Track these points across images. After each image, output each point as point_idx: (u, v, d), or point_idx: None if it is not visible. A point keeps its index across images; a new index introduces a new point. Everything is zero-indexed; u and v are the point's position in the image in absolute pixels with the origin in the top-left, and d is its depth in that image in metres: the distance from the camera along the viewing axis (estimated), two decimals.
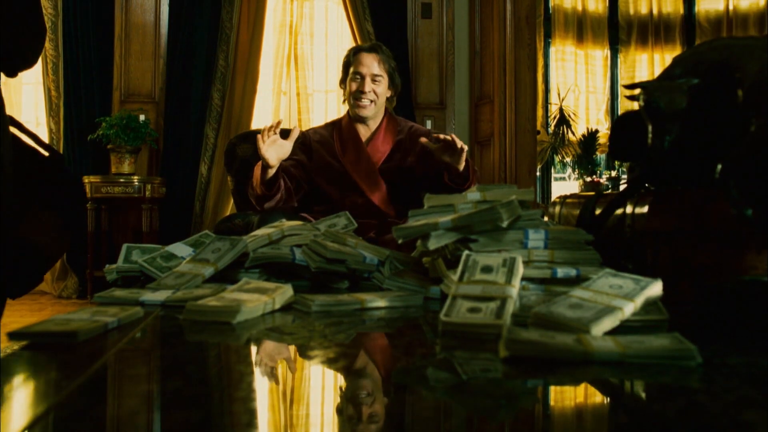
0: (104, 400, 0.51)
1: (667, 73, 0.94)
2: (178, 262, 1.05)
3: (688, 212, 0.89)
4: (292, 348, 0.66)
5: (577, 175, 5.34)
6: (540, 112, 5.12)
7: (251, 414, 0.45)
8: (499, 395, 0.50)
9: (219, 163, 4.07)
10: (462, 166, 1.91)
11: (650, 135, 0.87)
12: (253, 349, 0.67)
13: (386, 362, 0.64)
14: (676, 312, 0.72)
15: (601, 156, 5.38)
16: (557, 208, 1.23)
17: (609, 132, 1.03)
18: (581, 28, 5.50)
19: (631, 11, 5.62)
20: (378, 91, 2.14)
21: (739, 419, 0.44)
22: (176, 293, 0.88)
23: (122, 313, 0.73)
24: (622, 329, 0.64)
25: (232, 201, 3.80)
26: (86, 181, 3.77)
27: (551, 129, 5.36)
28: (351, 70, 2.16)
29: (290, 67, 4.41)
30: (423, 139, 1.94)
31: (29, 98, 4.27)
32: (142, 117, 4.00)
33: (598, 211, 1.02)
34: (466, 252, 0.81)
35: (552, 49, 5.46)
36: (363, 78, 2.13)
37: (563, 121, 5.31)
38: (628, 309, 0.65)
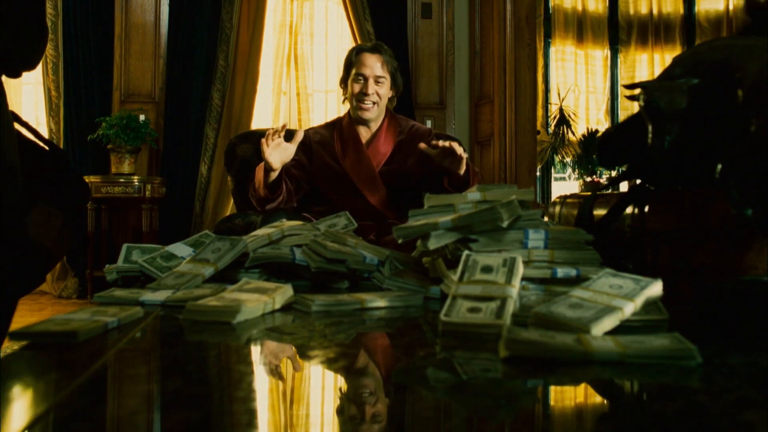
0: (104, 400, 0.51)
1: (667, 73, 0.94)
2: (178, 262, 1.05)
3: (688, 212, 0.89)
4: (292, 348, 0.66)
5: (577, 175, 5.34)
6: (540, 112, 5.12)
7: (251, 414, 0.45)
8: (499, 395, 0.50)
9: (219, 163, 4.07)
10: (462, 170, 1.88)
11: (650, 135, 0.87)
12: (253, 349, 0.67)
13: (386, 362, 0.64)
14: (676, 312, 0.72)
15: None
16: (557, 208, 1.23)
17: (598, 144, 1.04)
18: (581, 28, 5.50)
19: (631, 11, 5.62)
20: (381, 92, 2.11)
21: (739, 419, 0.44)
22: (176, 293, 0.88)
23: (122, 313, 0.73)
24: (622, 329, 0.64)
25: (232, 201, 3.80)
26: (86, 180, 3.77)
27: (551, 129, 5.37)
28: (353, 71, 2.13)
29: (290, 67, 4.41)
30: (422, 145, 1.90)
31: (29, 98, 4.27)
32: (142, 117, 4.00)
33: (596, 212, 1.02)
34: (466, 252, 0.81)
35: (552, 49, 5.46)
36: (366, 80, 2.09)
37: (563, 121, 5.31)
38: (628, 309, 0.65)
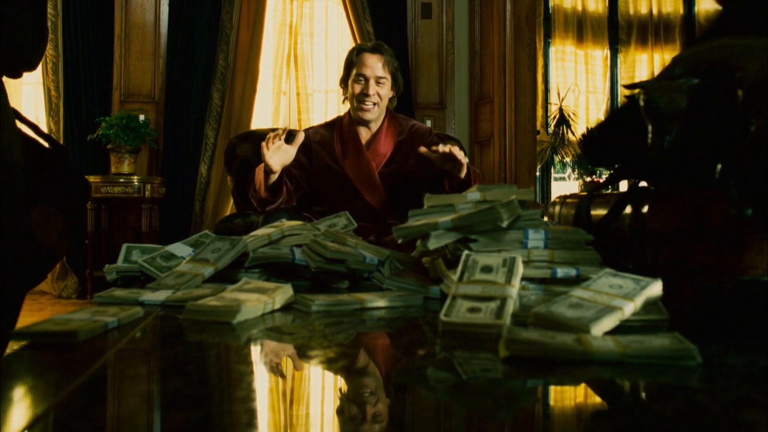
0: (104, 400, 0.51)
1: (667, 73, 0.94)
2: (178, 262, 1.05)
3: (688, 212, 0.89)
4: (292, 348, 0.66)
5: (576, 175, 5.34)
6: (540, 112, 5.12)
7: (251, 414, 0.45)
8: (499, 395, 0.50)
9: (219, 163, 4.07)
10: (463, 173, 1.86)
11: (650, 135, 0.87)
12: (253, 349, 0.67)
13: (386, 362, 0.64)
14: (676, 312, 0.72)
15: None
16: (557, 208, 1.23)
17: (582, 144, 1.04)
18: (581, 28, 5.50)
19: (631, 11, 5.62)
20: (381, 93, 2.09)
21: (739, 419, 0.44)
22: (176, 293, 0.88)
23: (122, 313, 0.73)
24: (622, 329, 0.64)
25: (232, 201, 3.80)
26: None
27: (551, 129, 5.37)
28: (354, 71, 2.10)
29: (290, 67, 4.41)
30: (422, 149, 1.86)
31: (29, 98, 4.27)
32: (142, 117, 4.00)
33: (595, 212, 1.02)
34: (466, 252, 0.81)
35: (552, 49, 5.46)
36: (367, 80, 2.07)
37: (563, 121, 5.31)
38: (628, 309, 0.65)
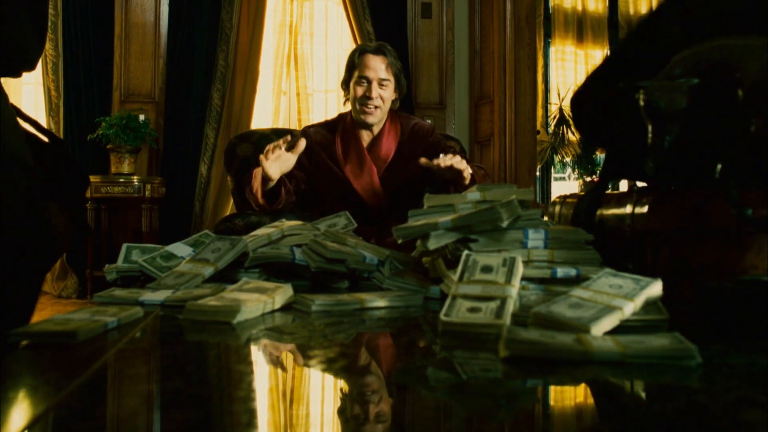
0: (104, 400, 0.51)
1: (667, 73, 0.94)
2: (178, 262, 1.05)
3: (688, 212, 0.89)
4: (292, 348, 0.66)
5: (576, 175, 5.34)
6: (540, 112, 5.12)
7: (251, 414, 0.45)
8: (499, 395, 0.50)
9: (219, 163, 4.07)
10: (467, 181, 1.81)
11: (650, 135, 0.87)
12: (253, 349, 0.67)
13: (386, 362, 0.64)
14: (676, 312, 0.72)
15: (601, 156, 5.38)
16: (557, 208, 1.23)
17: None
18: (581, 28, 5.50)
19: (631, 11, 5.63)
20: (384, 96, 2.03)
21: (739, 419, 0.44)
22: (176, 293, 0.88)
23: (122, 313, 0.73)
24: (622, 329, 0.64)
25: (232, 201, 3.80)
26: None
27: (551, 129, 5.37)
28: (356, 73, 2.04)
29: (290, 67, 4.41)
30: (423, 160, 1.78)
31: (29, 98, 4.27)
32: (142, 117, 4.00)
33: (606, 210, 1.02)
34: (466, 252, 0.81)
35: (552, 49, 5.46)
36: (369, 83, 2.01)
37: (563, 121, 5.31)
38: (628, 309, 0.65)
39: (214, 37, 4.15)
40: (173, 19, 4.16)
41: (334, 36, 4.51)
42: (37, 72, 4.05)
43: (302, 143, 1.85)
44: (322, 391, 0.54)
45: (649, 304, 0.69)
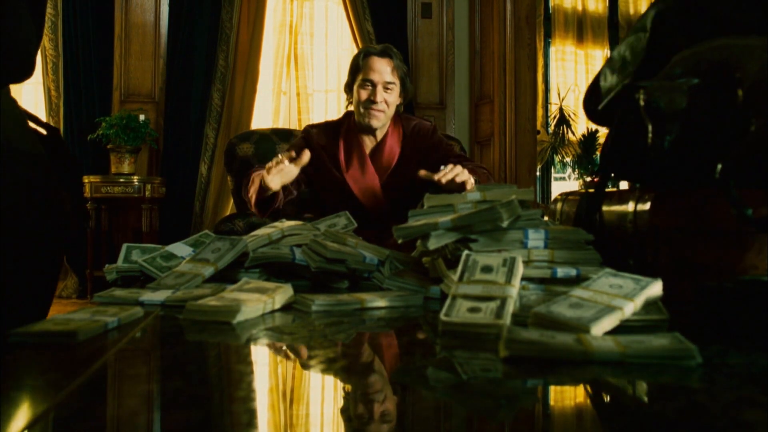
0: (104, 400, 0.51)
1: (667, 73, 0.94)
2: (178, 262, 1.05)
3: (688, 211, 0.89)
4: (292, 348, 0.66)
5: (577, 175, 5.35)
6: (540, 112, 5.12)
7: (251, 414, 0.45)
8: (499, 395, 0.50)
9: (219, 163, 4.07)
10: (470, 188, 1.76)
11: (650, 135, 0.87)
12: (253, 349, 0.67)
13: (386, 362, 0.64)
14: (676, 312, 0.72)
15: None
16: (559, 205, 1.23)
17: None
18: (581, 27, 5.50)
19: (631, 11, 5.63)
20: (389, 100, 1.96)
21: (739, 419, 0.44)
22: (176, 293, 0.88)
23: (122, 313, 0.73)
24: (622, 329, 0.64)
25: (232, 201, 3.80)
26: (86, 180, 3.77)
27: (551, 129, 5.37)
28: (360, 76, 1.97)
29: (290, 67, 4.41)
30: (422, 173, 1.72)
31: (29, 98, 4.27)
32: (142, 117, 4.00)
33: (606, 208, 1.02)
34: (466, 252, 0.81)
35: (552, 49, 5.46)
36: (374, 86, 1.94)
37: (563, 121, 5.31)
38: (628, 309, 0.65)
39: (214, 37, 4.15)
40: (173, 19, 4.16)
41: (334, 36, 4.52)
42: (37, 72, 4.04)
43: (306, 156, 1.79)
44: (323, 391, 0.54)
45: (649, 304, 0.69)
